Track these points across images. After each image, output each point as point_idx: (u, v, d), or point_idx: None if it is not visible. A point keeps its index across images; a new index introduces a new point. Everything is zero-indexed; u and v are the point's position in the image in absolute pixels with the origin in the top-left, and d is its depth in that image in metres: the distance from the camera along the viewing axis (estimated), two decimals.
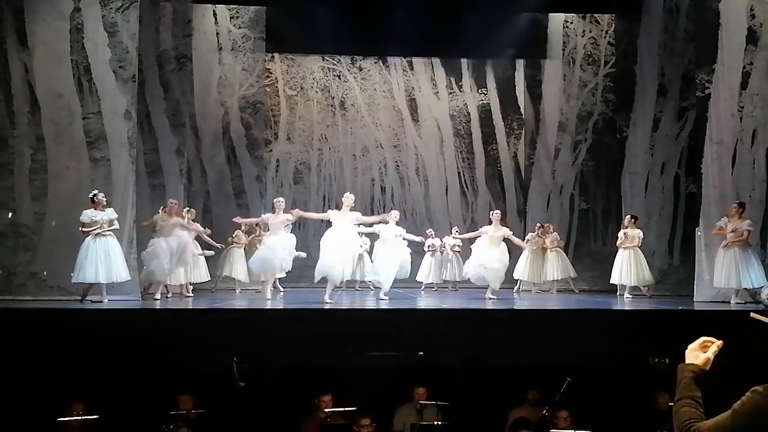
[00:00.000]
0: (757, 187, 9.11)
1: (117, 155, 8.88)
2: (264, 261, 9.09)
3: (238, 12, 13.03)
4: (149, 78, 10.98)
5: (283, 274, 10.01)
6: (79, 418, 5.76)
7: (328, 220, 8.66)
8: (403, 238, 9.67)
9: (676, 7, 11.18)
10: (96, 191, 8.27)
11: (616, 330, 7.17)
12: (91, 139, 8.85)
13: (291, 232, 9.53)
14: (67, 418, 5.77)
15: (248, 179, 12.95)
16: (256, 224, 10.70)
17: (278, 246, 8.98)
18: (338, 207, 9.00)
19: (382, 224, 9.34)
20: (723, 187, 9.11)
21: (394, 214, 9.44)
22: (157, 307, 8.30)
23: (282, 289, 10.79)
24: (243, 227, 11.10)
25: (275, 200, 9.45)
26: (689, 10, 10.80)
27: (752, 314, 2.27)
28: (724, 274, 8.52)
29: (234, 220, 10.41)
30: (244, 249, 11.04)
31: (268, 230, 10.08)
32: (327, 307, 7.99)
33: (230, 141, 13.00)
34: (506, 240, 9.73)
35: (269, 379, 6.60)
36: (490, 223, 9.72)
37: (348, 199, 8.65)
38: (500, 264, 9.45)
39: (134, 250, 8.79)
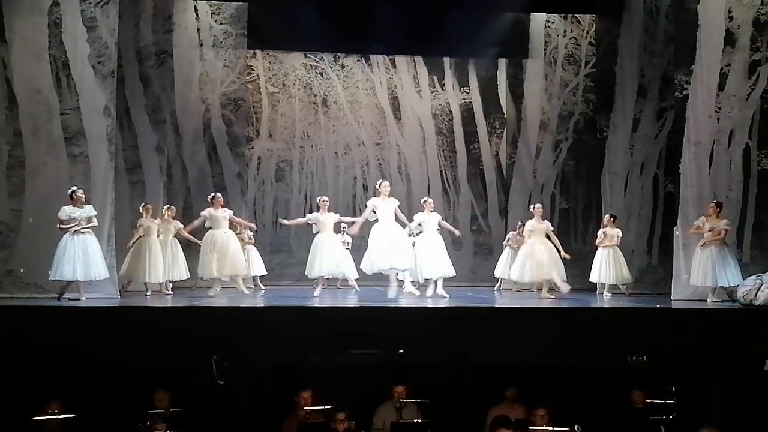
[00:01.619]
0: (733, 188, 9.24)
1: (96, 152, 8.78)
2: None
3: (219, 8, 12.94)
4: (129, 74, 10.88)
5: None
6: (56, 417, 5.70)
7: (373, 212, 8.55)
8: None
9: (656, 8, 11.28)
10: (75, 188, 8.19)
11: (595, 328, 7.23)
12: (69, 135, 8.75)
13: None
14: (43, 417, 5.71)
15: (229, 177, 12.87)
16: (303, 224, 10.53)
17: (336, 246, 8.94)
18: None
19: (422, 214, 9.15)
20: (700, 188, 9.24)
21: (430, 202, 9.26)
22: (136, 304, 8.24)
23: (263, 287, 10.76)
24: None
25: (320, 198, 9.34)
26: (669, 11, 10.91)
27: None
28: (701, 272, 8.65)
29: (281, 221, 10.38)
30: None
31: (253, 230, 10.07)
32: (308, 304, 7.98)
33: (211, 138, 12.90)
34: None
35: (249, 377, 6.58)
36: (532, 217, 9.61)
37: (385, 187, 8.54)
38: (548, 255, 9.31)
39: (113, 247, 8.72)
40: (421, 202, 9.28)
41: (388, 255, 8.23)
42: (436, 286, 9.01)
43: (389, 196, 8.57)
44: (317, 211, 9.36)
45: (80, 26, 8.80)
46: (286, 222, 10.19)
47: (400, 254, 8.28)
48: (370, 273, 8.47)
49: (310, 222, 9.23)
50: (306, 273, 9.44)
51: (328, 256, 8.87)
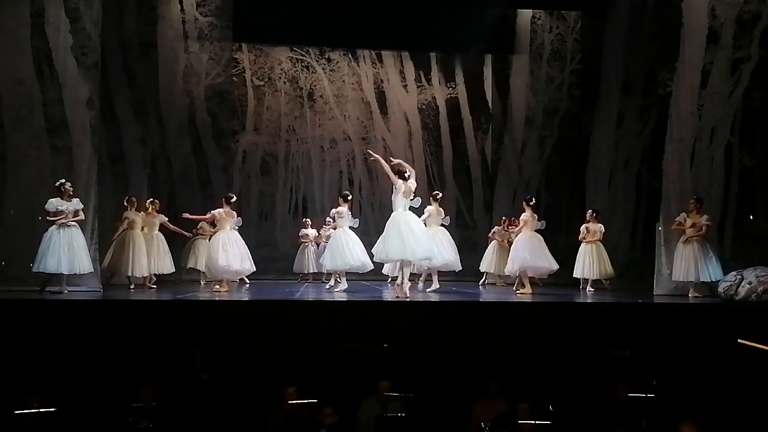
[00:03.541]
0: (715, 184, 9.35)
1: (79, 144, 8.68)
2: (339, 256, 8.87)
3: (204, 0, 12.84)
4: (113, 66, 10.77)
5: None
6: (36, 411, 5.64)
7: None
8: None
9: (641, 5, 11.35)
10: (63, 180, 8.15)
11: (578, 322, 7.30)
12: (52, 127, 8.63)
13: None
14: (23, 411, 5.65)
15: (214, 170, 12.81)
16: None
17: (351, 240, 8.84)
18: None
19: (431, 207, 9.47)
20: (683, 184, 9.33)
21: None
22: (119, 298, 8.19)
23: (248, 282, 10.72)
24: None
25: (345, 192, 9.27)
26: (653, 9, 10.98)
27: (740, 341, 2.29)
28: (683, 268, 8.76)
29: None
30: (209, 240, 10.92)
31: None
32: (293, 298, 7.97)
33: (196, 131, 12.82)
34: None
35: (233, 371, 6.57)
36: (515, 212, 9.67)
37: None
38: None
39: (96, 240, 8.65)
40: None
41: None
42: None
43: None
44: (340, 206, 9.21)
45: (63, 17, 8.67)
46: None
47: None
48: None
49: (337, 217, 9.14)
50: (328, 265, 9.35)
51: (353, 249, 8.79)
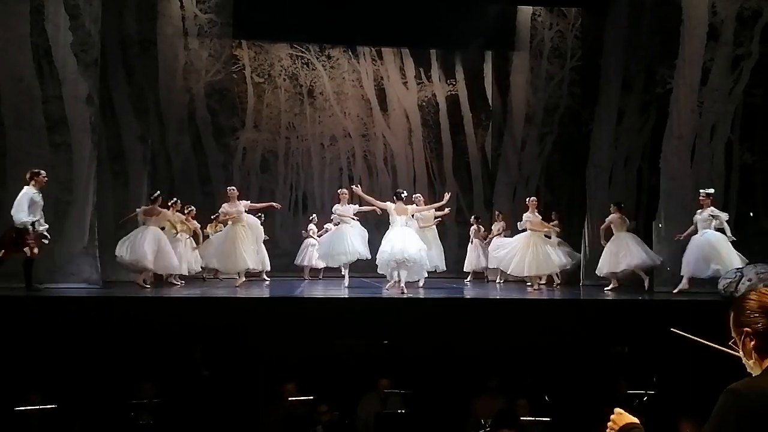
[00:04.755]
0: (715, 181, 9.33)
1: (78, 141, 8.68)
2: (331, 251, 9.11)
3: None
4: (112, 62, 10.74)
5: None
6: (37, 408, 5.65)
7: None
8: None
9: (640, 2, 11.33)
10: (158, 192, 8.78)
11: (578, 319, 7.30)
12: (51, 124, 8.63)
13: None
14: (25, 408, 5.66)
15: (214, 167, 12.81)
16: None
17: (352, 235, 8.98)
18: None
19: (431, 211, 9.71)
20: (683, 181, 9.32)
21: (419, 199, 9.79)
22: (120, 294, 8.20)
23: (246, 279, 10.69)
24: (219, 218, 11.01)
25: (340, 191, 9.46)
26: (654, 5, 10.96)
27: (672, 330, 2.25)
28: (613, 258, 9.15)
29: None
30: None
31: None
32: (294, 295, 7.97)
33: (196, 128, 12.82)
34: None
35: (233, 367, 6.58)
36: (526, 210, 9.72)
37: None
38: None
39: (95, 236, 8.64)
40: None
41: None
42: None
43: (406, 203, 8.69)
44: (338, 203, 9.43)
45: (63, 14, 8.66)
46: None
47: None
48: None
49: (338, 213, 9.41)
50: (327, 261, 9.64)
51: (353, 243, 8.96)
